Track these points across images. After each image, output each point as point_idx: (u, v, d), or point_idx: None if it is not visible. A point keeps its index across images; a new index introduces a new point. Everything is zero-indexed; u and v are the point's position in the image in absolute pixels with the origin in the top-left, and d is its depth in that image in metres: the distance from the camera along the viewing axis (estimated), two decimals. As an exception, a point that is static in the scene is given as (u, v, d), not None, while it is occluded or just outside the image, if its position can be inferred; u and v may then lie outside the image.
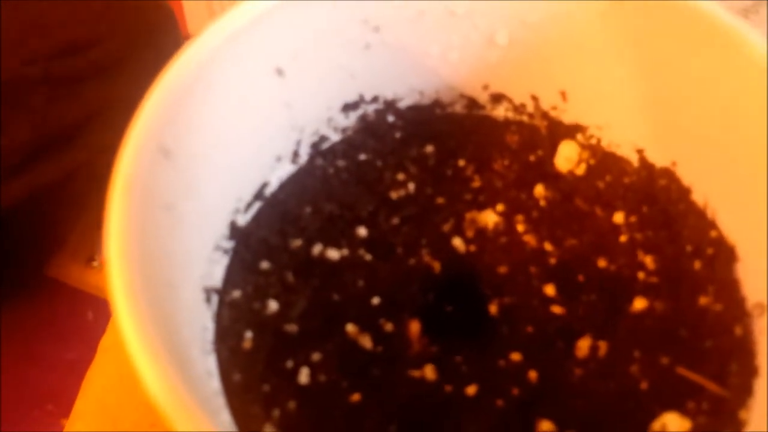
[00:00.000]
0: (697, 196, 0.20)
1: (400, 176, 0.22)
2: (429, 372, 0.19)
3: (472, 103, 0.23)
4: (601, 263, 0.21)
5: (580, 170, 0.22)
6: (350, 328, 0.19)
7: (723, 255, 0.20)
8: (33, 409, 0.50)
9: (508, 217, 0.22)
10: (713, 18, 0.18)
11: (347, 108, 0.22)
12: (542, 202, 0.22)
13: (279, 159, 0.21)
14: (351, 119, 0.22)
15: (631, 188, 0.21)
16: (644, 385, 0.18)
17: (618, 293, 0.20)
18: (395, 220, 0.21)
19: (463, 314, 0.20)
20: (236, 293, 0.20)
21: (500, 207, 0.22)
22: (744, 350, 0.18)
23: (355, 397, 0.18)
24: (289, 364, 0.19)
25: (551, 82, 0.22)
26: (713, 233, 0.20)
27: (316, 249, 0.21)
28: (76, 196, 0.48)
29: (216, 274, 0.20)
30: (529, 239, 0.21)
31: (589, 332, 0.19)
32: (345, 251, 0.21)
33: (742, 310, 0.19)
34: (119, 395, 0.25)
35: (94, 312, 0.54)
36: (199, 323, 0.19)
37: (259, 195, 0.21)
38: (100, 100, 0.48)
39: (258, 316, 0.20)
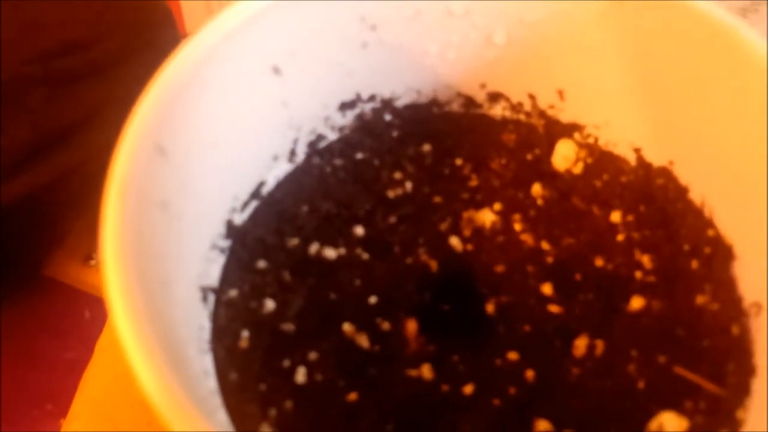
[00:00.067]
0: (695, 195, 0.20)
1: (397, 175, 0.22)
2: (426, 371, 0.19)
3: (470, 101, 0.23)
4: (599, 262, 0.21)
5: (578, 169, 0.22)
6: (347, 327, 0.19)
7: (720, 254, 0.20)
8: (32, 408, 0.50)
9: (505, 216, 0.22)
10: (711, 17, 0.18)
11: (344, 107, 0.22)
12: (539, 201, 0.22)
13: (276, 158, 0.21)
14: (348, 118, 0.22)
15: (628, 187, 0.21)
16: (641, 385, 0.18)
17: (615, 292, 0.20)
18: (392, 219, 0.21)
19: (460, 313, 0.20)
20: (233, 292, 0.20)
21: (497, 206, 0.22)
22: (741, 349, 0.18)
23: (352, 396, 0.18)
24: (286, 363, 0.19)
25: (549, 81, 0.22)
26: (710, 232, 0.20)
27: (313, 248, 0.21)
28: (74, 195, 0.48)
29: (213, 273, 0.20)
30: (526, 238, 0.21)
31: (586, 331, 0.19)
32: (342, 250, 0.21)
33: (740, 310, 0.19)
34: (116, 395, 0.25)
35: (91, 311, 0.54)
36: (196, 322, 0.19)
37: (255, 194, 0.21)
38: (99, 99, 0.48)
39: (255, 315, 0.20)
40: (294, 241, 0.21)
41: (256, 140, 0.21)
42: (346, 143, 0.22)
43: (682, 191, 0.21)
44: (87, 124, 0.48)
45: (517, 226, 0.21)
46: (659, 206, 0.21)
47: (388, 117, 0.23)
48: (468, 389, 0.19)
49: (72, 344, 0.53)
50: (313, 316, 0.20)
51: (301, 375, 0.19)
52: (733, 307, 0.19)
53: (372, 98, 0.22)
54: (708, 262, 0.20)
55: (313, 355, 0.19)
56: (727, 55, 0.18)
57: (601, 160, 0.22)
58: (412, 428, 0.18)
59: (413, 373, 0.19)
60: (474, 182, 0.22)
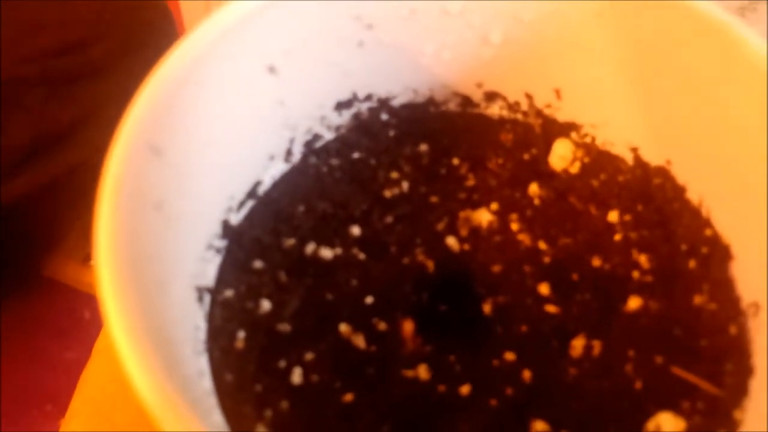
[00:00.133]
0: (692, 195, 0.20)
1: (394, 175, 0.22)
2: (422, 372, 0.19)
3: (466, 101, 0.23)
4: (596, 262, 0.20)
5: (575, 169, 0.22)
6: (343, 327, 0.19)
7: (718, 254, 0.20)
8: (31, 408, 0.50)
9: (502, 215, 0.21)
10: (708, 16, 0.18)
11: (341, 106, 0.22)
12: (536, 201, 0.22)
13: (272, 157, 0.21)
14: (344, 117, 0.22)
15: (625, 187, 0.21)
16: (639, 385, 0.18)
17: (612, 292, 0.20)
18: (389, 219, 0.21)
19: (456, 313, 0.20)
20: (229, 292, 0.20)
21: (494, 206, 0.22)
22: (739, 350, 0.18)
23: (348, 397, 0.18)
24: (282, 363, 0.19)
25: (546, 80, 0.22)
26: (708, 232, 0.20)
27: (310, 248, 0.21)
28: (73, 195, 0.48)
29: (208, 274, 0.20)
30: (524, 238, 0.21)
31: (583, 331, 0.19)
32: (338, 250, 0.21)
33: (737, 310, 0.19)
34: (114, 395, 0.25)
35: (91, 311, 0.54)
36: (191, 323, 0.18)
37: (252, 194, 0.21)
38: (98, 99, 0.48)
39: (251, 315, 0.19)
40: (290, 241, 0.21)
41: (252, 140, 0.20)
42: (343, 143, 0.22)
43: (679, 191, 0.21)
44: (86, 124, 0.48)
45: (514, 226, 0.21)
46: (657, 206, 0.21)
47: (384, 116, 0.23)
48: (465, 390, 0.19)
49: (71, 344, 0.53)
50: (309, 316, 0.20)
51: (297, 375, 0.19)
52: (730, 307, 0.19)
53: (368, 98, 0.22)
54: (705, 261, 0.20)
55: (309, 356, 0.19)
56: (724, 55, 0.18)
57: (598, 159, 0.22)
58: (408, 429, 0.18)
59: (410, 373, 0.19)
60: (471, 182, 0.22)
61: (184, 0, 0.60)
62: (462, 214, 0.21)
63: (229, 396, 0.18)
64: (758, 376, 0.18)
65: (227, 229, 0.20)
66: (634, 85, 0.21)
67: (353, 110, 0.22)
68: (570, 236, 0.21)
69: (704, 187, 0.20)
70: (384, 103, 0.23)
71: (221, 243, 0.20)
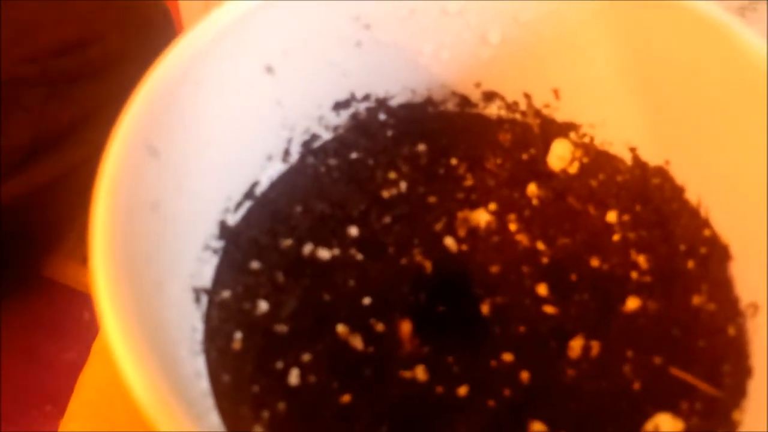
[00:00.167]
0: (691, 195, 0.20)
1: (392, 175, 0.22)
2: (420, 372, 0.19)
3: (465, 101, 0.23)
4: (594, 262, 0.20)
5: (573, 169, 0.22)
6: (341, 328, 0.19)
7: (716, 254, 0.19)
8: (31, 409, 0.50)
9: (500, 216, 0.21)
10: (707, 16, 0.18)
11: (338, 106, 0.22)
12: (535, 201, 0.22)
13: (269, 158, 0.21)
14: (342, 117, 0.22)
15: (624, 187, 0.21)
16: (637, 386, 0.18)
17: (611, 293, 0.20)
18: (387, 220, 0.21)
19: (454, 314, 0.20)
20: (226, 293, 0.20)
21: (492, 206, 0.22)
22: (737, 350, 0.18)
23: (346, 398, 0.18)
24: (279, 364, 0.19)
25: (544, 80, 0.22)
26: (707, 232, 0.20)
27: (307, 248, 0.21)
28: (72, 195, 0.48)
29: (205, 274, 0.20)
30: (522, 238, 0.21)
31: (581, 332, 0.19)
32: (336, 251, 0.21)
33: (736, 310, 0.19)
34: (113, 396, 0.24)
35: (90, 312, 0.53)
36: (188, 323, 0.18)
37: (249, 194, 0.21)
38: (97, 99, 0.48)
39: (248, 316, 0.19)
40: (288, 242, 0.21)
41: (249, 140, 0.20)
42: (341, 143, 0.22)
43: (678, 191, 0.21)
44: (85, 124, 0.48)
45: (513, 227, 0.21)
46: (655, 206, 0.21)
47: (382, 116, 0.23)
48: (462, 391, 0.19)
49: (71, 345, 0.53)
50: (306, 317, 0.20)
51: (294, 376, 0.18)
52: (729, 308, 0.19)
53: (366, 98, 0.22)
54: (704, 262, 0.20)
55: (306, 357, 0.19)
56: (723, 54, 0.18)
57: (596, 159, 0.22)
58: (406, 430, 0.18)
59: (407, 374, 0.19)
60: (469, 182, 0.22)
61: (184, 0, 0.60)
62: (460, 215, 0.21)
63: (226, 397, 0.18)
64: (757, 376, 0.18)
65: (224, 230, 0.20)
66: (632, 85, 0.20)
67: (351, 110, 0.22)
68: (568, 236, 0.21)
69: (703, 187, 0.20)
70: (382, 103, 0.22)
71: (218, 244, 0.20)
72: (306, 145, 0.22)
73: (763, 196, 0.18)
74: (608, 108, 0.21)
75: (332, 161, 0.22)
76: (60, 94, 0.47)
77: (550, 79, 0.22)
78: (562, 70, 0.22)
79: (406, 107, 0.23)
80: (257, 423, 0.18)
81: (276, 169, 0.22)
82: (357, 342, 0.19)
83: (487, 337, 0.20)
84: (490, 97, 0.23)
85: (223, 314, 0.19)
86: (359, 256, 0.21)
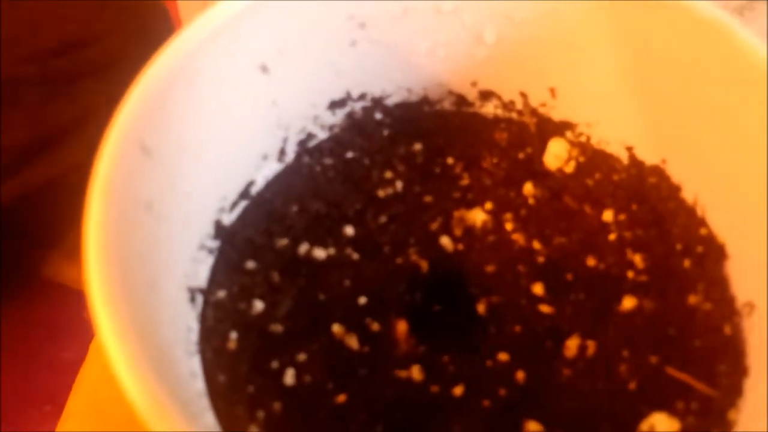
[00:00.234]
0: (687, 194, 0.20)
1: (388, 174, 0.22)
2: (416, 372, 0.19)
3: (461, 100, 0.23)
4: (590, 262, 0.20)
5: (570, 168, 0.22)
6: (336, 328, 0.19)
7: (713, 253, 0.19)
8: (30, 409, 0.50)
9: (496, 215, 0.21)
10: (704, 16, 0.18)
11: (334, 105, 0.22)
12: (531, 200, 0.22)
13: (265, 157, 0.21)
14: (338, 117, 0.22)
15: (620, 186, 0.21)
16: (633, 385, 0.18)
17: (607, 292, 0.20)
18: (383, 219, 0.21)
19: (450, 314, 0.20)
20: (221, 293, 0.20)
21: (489, 205, 0.22)
22: (733, 350, 0.18)
23: (341, 397, 0.18)
24: (275, 364, 0.19)
25: (540, 79, 0.22)
26: (703, 231, 0.20)
27: (303, 248, 0.21)
28: (72, 195, 0.48)
29: (201, 274, 0.20)
30: (518, 238, 0.21)
31: (577, 332, 0.19)
32: (332, 250, 0.21)
33: (732, 309, 0.19)
34: (110, 395, 0.24)
35: (89, 311, 0.53)
36: (183, 323, 0.18)
37: (244, 194, 0.21)
38: (96, 99, 0.48)
39: (243, 316, 0.19)
40: (283, 242, 0.21)
41: (244, 139, 0.20)
42: (337, 142, 0.22)
43: (674, 190, 0.20)
44: (84, 123, 0.48)
45: (509, 226, 0.21)
46: (651, 205, 0.21)
47: (378, 116, 0.23)
48: (458, 390, 0.19)
49: (70, 345, 0.53)
50: (302, 317, 0.20)
51: (289, 376, 0.18)
52: (725, 307, 0.19)
53: (362, 97, 0.22)
54: (700, 261, 0.20)
55: (302, 357, 0.19)
56: (720, 54, 0.18)
57: (593, 158, 0.22)
58: (401, 430, 0.18)
59: (403, 374, 0.19)
60: (465, 181, 0.22)
61: (183, 0, 0.60)
62: (456, 214, 0.21)
63: (222, 397, 0.18)
64: (753, 376, 0.18)
65: (220, 230, 0.20)
66: (629, 84, 0.20)
67: (347, 109, 0.22)
68: (564, 236, 0.21)
69: (699, 186, 0.20)
70: (378, 102, 0.22)
71: (214, 243, 0.20)
72: (302, 145, 0.22)
73: (760, 195, 0.18)
74: (604, 107, 0.21)
75: (328, 160, 0.22)
76: (59, 94, 0.47)
77: (547, 78, 0.22)
78: (558, 69, 0.22)
79: (402, 106, 0.23)
80: (253, 423, 0.18)
81: (271, 168, 0.22)
82: (352, 342, 0.19)
83: (483, 336, 0.20)
84: (486, 96, 0.23)
85: (219, 314, 0.19)
86: (355, 256, 0.21)
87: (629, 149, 0.21)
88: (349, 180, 0.22)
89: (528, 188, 0.22)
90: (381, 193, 0.22)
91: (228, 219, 0.20)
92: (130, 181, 0.16)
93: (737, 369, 0.18)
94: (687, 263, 0.20)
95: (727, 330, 0.19)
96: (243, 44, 0.19)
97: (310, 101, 0.21)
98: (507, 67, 0.22)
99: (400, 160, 0.22)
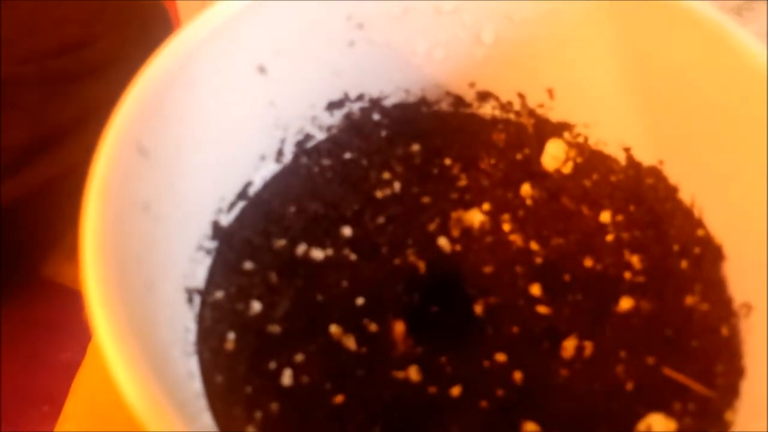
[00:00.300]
0: (684, 195, 0.20)
1: (386, 175, 0.22)
2: (413, 373, 0.19)
3: (459, 101, 0.23)
4: (588, 263, 0.20)
5: (567, 169, 0.22)
6: (334, 328, 0.19)
7: (710, 254, 0.19)
8: (29, 409, 0.50)
9: (494, 216, 0.21)
10: (701, 16, 0.18)
11: (332, 106, 0.22)
12: (529, 201, 0.22)
13: (263, 158, 0.21)
14: (336, 117, 0.22)
15: (618, 187, 0.21)
16: (630, 386, 0.18)
17: (604, 293, 0.20)
18: (380, 220, 0.21)
19: (448, 315, 0.20)
20: (219, 294, 0.20)
21: (486, 206, 0.22)
22: (730, 351, 0.18)
23: (339, 398, 0.18)
24: (272, 365, 0.19)
25: (538, 80, 0.22)
26: (700, 232, 0.20)
27: (300, 249, 0.21)
28: (71, 195, 0.48)
29: (198, 275, 0.20)
30: (515, 238, 0.21)
31: (574, 332, 0.19)
32: (329, 251, 0.21)
33: (729, 310, 0.19)
34: (109, 396, 0.24)
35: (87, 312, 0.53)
36: (181, 324, 0.18)
37: (242, 194, 0.21)
38: (95, 99, 0.48)
39: (241, 316, 0.19)
40: (281, 242, 0.21)
41: (242, 140, 0.20)
42: (334, 143, 0.22)
43: (671, 191, 0.20)
44: (83, 124, 0.48)
45: (506, 227, 0.21)
46: (649, 206, 0.21)
47: (376, 116, 0.23)
48: (455, 391, 0.19)
49: (69, 345, 0.53)
50: (299, 317, 0.20)
51: (287, 377, 0.18)
52: (722, 308, 0.19)
53: (360, 97, 0.22)
54: (697, 262, 0.20)
55: (299, 357, 0.19)
56: (718, 55, 0.18)
57: (590, 159, 0.22)
58: (399, 430, 0.18)
59: (400, 374, 0.19)
60: (463, 182, 0.22)
61: (182, 0, 0.60)
62: (454, 215, 0.21)
63: (219, 398, 0.18)
64: (749, 377, 0.18)
65: (217, 230, 0.20)
66: (626, 84, 0.20)
67: (345, 110, 0.22)
68: (562, 237, 0.21)
69: (696, 187, 0.20)
70: (376, 103, 0.22)
71: (211, 244, 0.20)
72: (299, 145, 0.22)
73: (757, 196, 0.18)
74: (602, 108, 0.21)
75: (326, 161, 0.22)
76: (59, 94, 0.47)
77: (545, 79, 0.22)
78: (556, 69, 0.22)
79: (400, 107, 0.23)
80: (250, 423, 0.18)
81: (269, 169, 0.22)
82: (350, 342, 0.19)
83: (481, 337, 0.20)
84: (484, 97, 0.23)
85: (216, 315, 0.19)
86: (353, 257, 0.21)
87: (627, 150, 0.21)
88: (347, 181, 0.22)
89: (525, 189, 0.22)
90: (379, 193, 0.22)
91: (226, 220, 0.20)
92: (127, 182, 0.16)
93: (734, 370, 0.18)
94: (684, 264, 0.20)
95: (724, 331, 0.19)
96: (241, 44, 0.19)
97: (308, 102, 0.21)
98: (505, 67, 0.22)
99: (398, 161, 0.22)
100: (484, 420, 0.18)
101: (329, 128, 0.22)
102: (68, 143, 0.47)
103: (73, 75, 0.47)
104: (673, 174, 0.20)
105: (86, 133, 0.47)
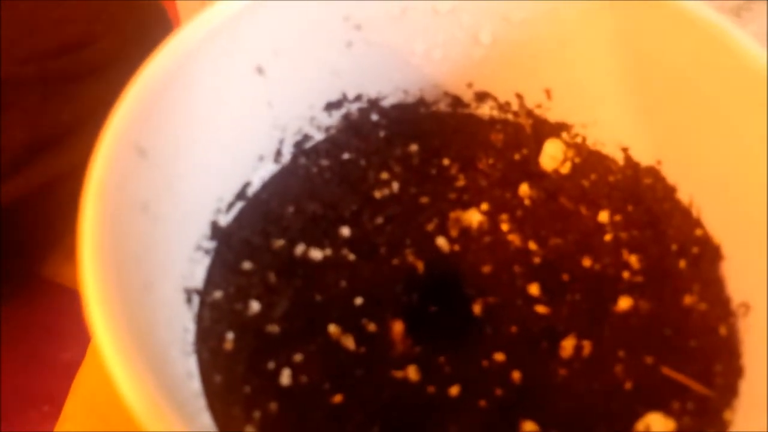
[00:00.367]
0: (683, 195, 0.20)
1: (384, 175, 0.22)
2: (412, 373, 0.19)
3: (457, 101, 0.23)
4: (586, 262, 0.20)
5: (565, 169, 0.22)
6: (333, 328, 0.19)
7: (708, 254, 0.19)
8: (29, 409, 0.50)
9: (492, 216, 0.21)
10: (699, 17, 0.18)
11: (330, 107, 0.22)
12: (527, 201, 0.22)
13: (261, 158, 0.21)
14: (334, 118, 0.22)
15: (616, 187, 0.21)
16: (628, 386, 0.18)
17: (603, 293, 0.20)
18: (379, 220, 0.21)
19: (446, 314, 0.20)
20: (218, 294, 0.20)
21: (485, 206, 0.22)
22: (729, 350, 0.18)
23: (337, 398, 0.18)
24: (271, 365, 0.19)
25: (536, 80, 0.22)
26: (698, 232, 0.20)
27: (299, 249, 0.21)
28: (71, 195, 0.48)
29: (197, 275, 0.20)
30: (514, 238, 0.21)
31: (573, 332, 0.19)
32: (328, 251, 0.21)
33: (727, 310, 0.19)
34: (109, 396, 0.24)
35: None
36: (180, 324, 0.18)
37: (241, 195, 0.21)
38: (95, 100, 0.48)
39: (240, 316, 0.19)
40: (280, 242, 0.21)
41: (240, 141, 0.20)
42: (333, 143, 0.22)
43: (669, 191, 0.21)
44: (83, 124, 0.48)
45: (505, 227, 0.21)
46: (647, 206, 0.21)
47: (374, 117, 0.23)
48: (454, 391, 0.19)
49: (69, 345, 0.53)
50: (298, 317, 0.20)
51: (286, 377, 0.19)
52: (721, 308, 0.19)
53: (358, 98, 0.22)
54: (696, 262, 0.20)
55: (298, 357, 0.19)
56: (716, 56, 0.18)
57: (588, 159, 0.22)
58: (397, 430, 0.18)
59: (399, 374, 0.19)
60: (461, 182, 0.22)
61: (181, 0, 0.60)
62: (452, 215, 0.21)
63: (218, 397, 0.18)
64: (748, 376, 0.18)
65: (216, 231, 0.20)
66: (624, 85, 0.20)
67: (343, 111, 0.22)
68: (560, 237, 0.21)
69: (695, 187, 0.20)
70: (374, 104, 0.22)
71: (210, 244, 0.20)
72: (298, 146, 0.22)
73: (755, 195, 0.18)
74: (600, 108, 0.21)
75: (324, 162, 0.22)
76: (59, 94, 0.47)
77: (543, 80, 0.22)
78: (554, 70, 0.22)
79: (398, 107, 0.23)
80: (249, 423, 0.18)
81: (268, 169, 0.22)
82: (349, 342, 0.19)
83: (479, 337, 0.20)
84: (482, 97, 0.23)
85: (215, 315, 0.19)
86: (351, 257, 0.21)
87: (625, 150, 0.21)
88: (346, 181, 0.22)
89: (524, 189, 0.22)
90: (377, 194, 0.22)
91: (224, 220, 0.20)
92: (125, 183, 0.16)
93: (733, 369, 0.18)
94: (682, 264, 0.20)
95: (723, 330, 0.19)
96: (240, 45, 0.19)
97: (306, 102, 0.22)
98: (503, 68, 0.22)
99: (396, 162, 0.22)
100: (482, 419, 0.18)
101: (328, 129, 0.22)
102: (68, 143, 0.47)
103: (73, 75, 0.47)
104: (672, 174, 0.21)
105: (86, 133, 0.47)
